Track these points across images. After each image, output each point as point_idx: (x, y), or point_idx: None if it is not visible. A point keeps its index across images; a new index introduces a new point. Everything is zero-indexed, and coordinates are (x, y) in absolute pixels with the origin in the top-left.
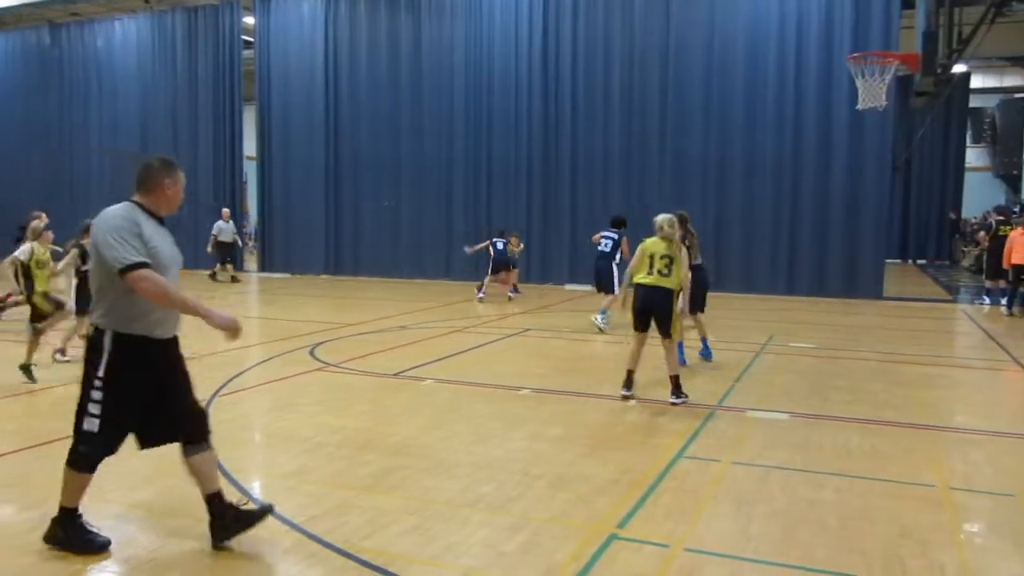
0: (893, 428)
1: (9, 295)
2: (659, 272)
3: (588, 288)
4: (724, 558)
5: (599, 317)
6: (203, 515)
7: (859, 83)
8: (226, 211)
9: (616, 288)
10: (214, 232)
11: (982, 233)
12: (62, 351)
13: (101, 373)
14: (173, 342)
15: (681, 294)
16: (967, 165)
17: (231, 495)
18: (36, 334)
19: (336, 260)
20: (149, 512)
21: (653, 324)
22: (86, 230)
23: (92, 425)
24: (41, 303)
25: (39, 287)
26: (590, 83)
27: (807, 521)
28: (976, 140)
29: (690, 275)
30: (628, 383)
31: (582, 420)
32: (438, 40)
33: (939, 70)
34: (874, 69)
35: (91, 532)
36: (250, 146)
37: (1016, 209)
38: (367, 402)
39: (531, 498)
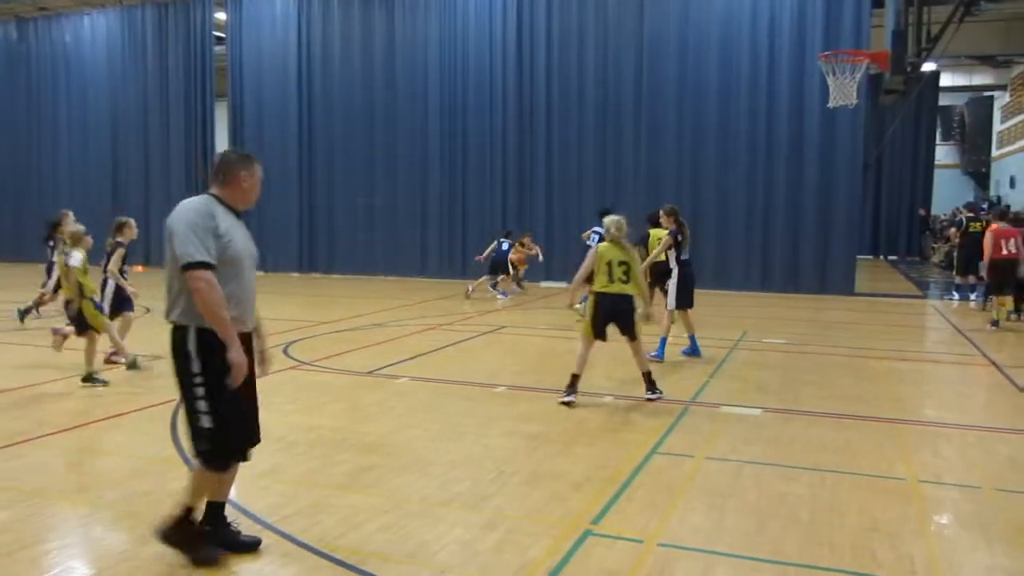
0: (864, 422)
1: (43, 296)
2: (619, 280)
3: (565, 285)
4: (697, 552)
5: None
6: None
7: (830, 81)
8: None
9: None
10: None
11: (952, 230)
12: (115, 354)
13: (197, 369)
14: (248, 338)
15: (668, 289)
16: (936, 162)
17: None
18: (92, 340)
19: (310, 258)
20: (120, 513)
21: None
22: (119, 228)
23: (206, 421)
24: (90, 311)
25: (87, 293)
26: (564, 78)
27: (779, 515)
28: (945, 138)
29: (678, 270)
30: (573, 387)
31: (557, 417)
32: (412, 36)
33: (908, 68)
34: (845, 67)
35: (206, 540)
36: (222, 143)
37: (985, 205)
38: (341, 401)
39: (506, 495)
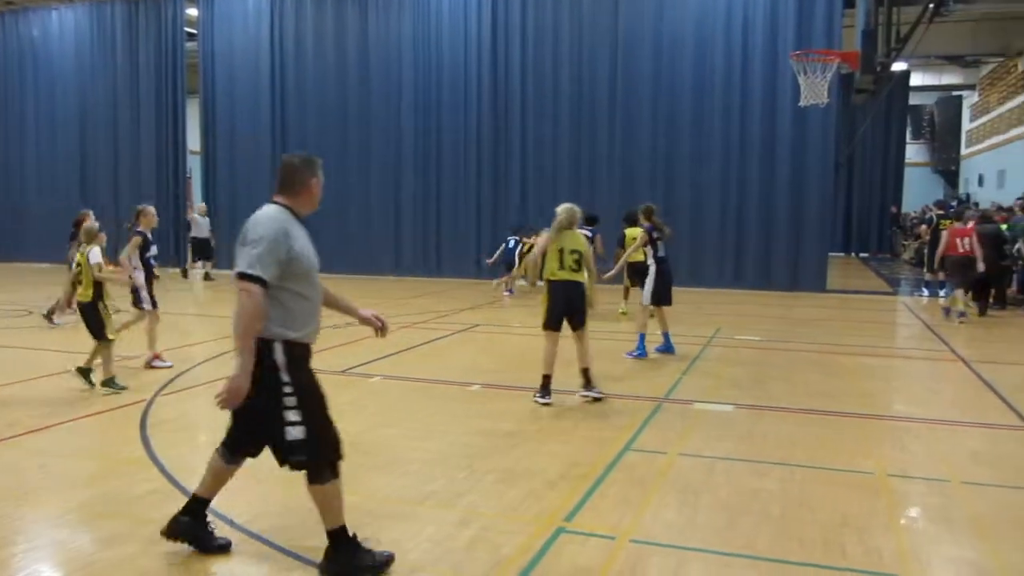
0: (834, 418)
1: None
2: (570, 268)
3: (539, 283)
4: (669, 548)
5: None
6: (143, 517)
7: (801, 80)
8: (202, 205)
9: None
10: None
11: (923, 227)
12: (157, 357)
13: (287, 379)
14: (310, 351)
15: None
16: (907, 161)
17: (176, 499)
18: (109, 342)
19: None
20: (88, 515)
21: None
22: (138, 215)
23: (299, 432)
24: (107, 315)
25: (105, 298)
26: (539, 76)
27: (751, 510)
28: (915, 136)
29: (654, 267)
30: (546, 388)
31: (531, 415)
32: (385, 33)
33: (878, 68)
34: (816, 67)
35: (369, 550)
36: (194, 139)
37: (954, 203)
38: None
39: (480, 493)
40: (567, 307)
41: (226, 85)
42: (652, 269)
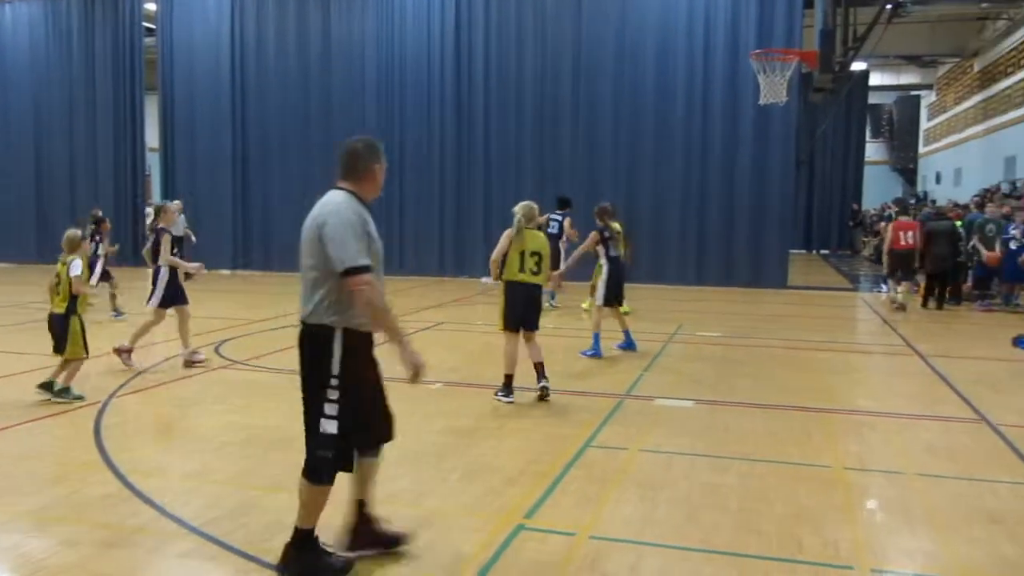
0: (793, 412)
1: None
2: (530, 271)
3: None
4: (628, 544)
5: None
6: (96, 521)
7: (761, 79)
8: (178, 202)
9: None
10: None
11: (882, 224)
12: (195, 353)
13: (336, 371)
14: (372, 339)
15: (597, 284)
16: (866, 159)
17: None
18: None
19: (245, 254)
20: (40, 520)
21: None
22: (158, 213)
23: (330, 426)
24: (76, 331)
25: (79, 310)
26: (503, 74)
27: (709, 505)
28: (875, 135)
29: (607, 266)
30: (508, 388)
31: (493, 412)
32: (348, 30)
33: (836, 67)
34: (775, 66)
35: (330, 554)
36: (152, 137)
37: (913, 200)
38: (275, 400)
39: (442, 492)
40: (524, 309)
41: (185, 81)
42: (605, 269)
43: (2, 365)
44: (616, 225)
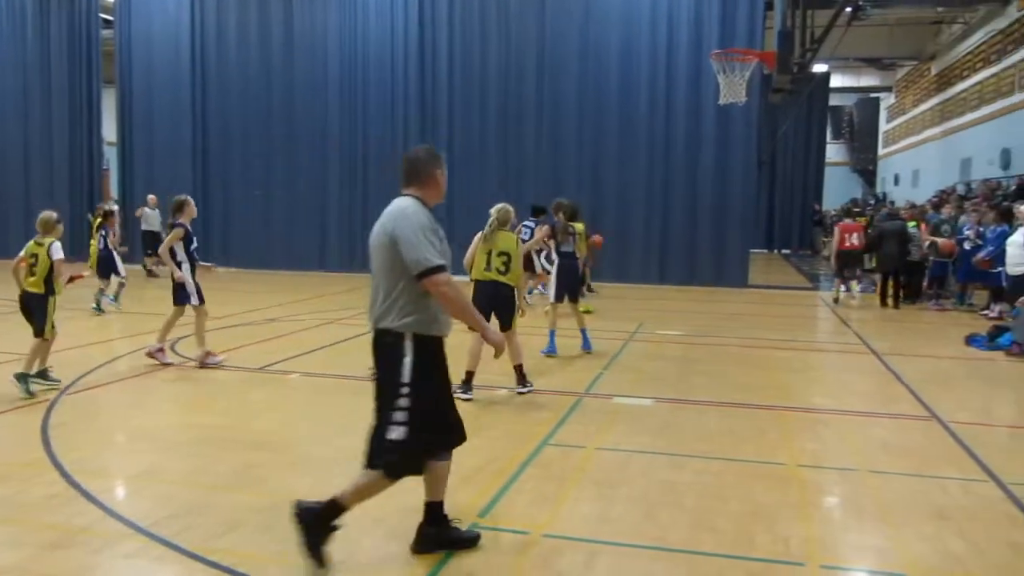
0: (751, 410)
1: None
2: (497, 270)
3: (465, 279)
4: (582, 542)
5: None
6: (39, 522)
7: (721, 79)
8: (152, 197)
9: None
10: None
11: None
12: (210, 354)
13: (407, 379)
14: (443, 342)
15: (549, 284)
16: (827, 160)
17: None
18: (46, 340)
19: (204, 250)
20: None
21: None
22: (180, 207)
23: (399, 433)
24: (51, 314)
25: (57, 291)
26: (466, 71)
27: (665, 503)
28: (835, 136)
29: (557, 261)
30: (467, 384)
31: None
32: (311, 23)
33: (795, 68)
34: (735, 66)
35: (328, 530)
36: (110, 131)
37: (872, 201)
38: (228, 398)
39: (393, 490)
40: (488, 308)
41: (144, 73)
42: (556, 265)
43: None
44: (579, 225)
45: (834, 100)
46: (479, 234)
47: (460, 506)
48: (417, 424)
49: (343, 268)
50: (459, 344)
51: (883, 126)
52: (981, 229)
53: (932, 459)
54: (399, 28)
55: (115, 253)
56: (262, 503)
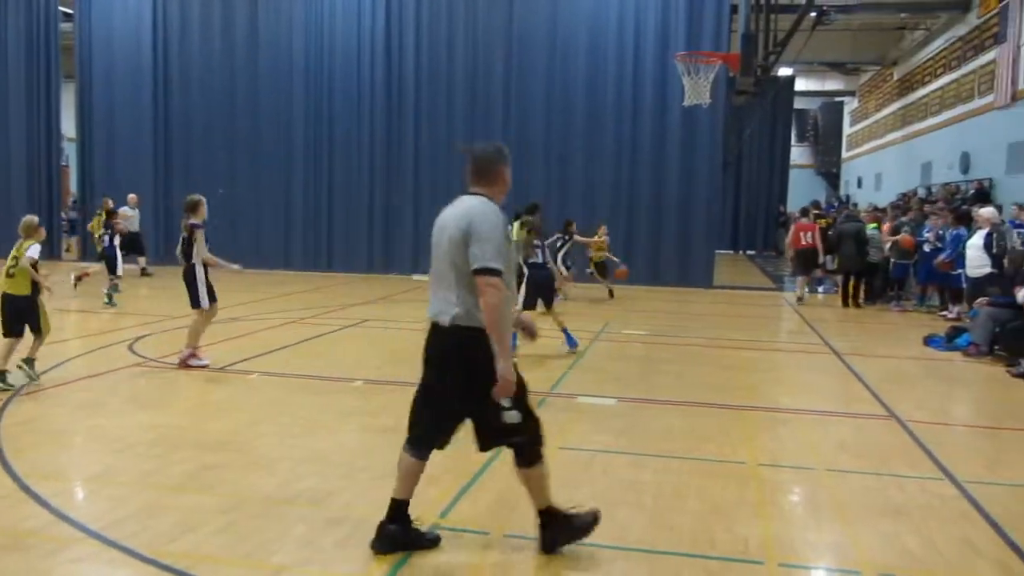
0: (713, 409)
1: (86, 273)
2: None
3: None
4: None
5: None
6: None
7: (685, 81)
8: (132, 196)
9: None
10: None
11: None
12: (194, 355)
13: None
14: None
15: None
16: (792, 162)
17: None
18: (16, 339)
19: (167, 249)
20: None
21: None
22: (194, 207)
23: (513, 416)
24: (44, 310)
25: (42, 289)
26: (433, 69)
27: (626, 502)
28: (800, 139)
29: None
30: None
31: None
32: (276, 19)
33: (758, 71)
34: (699, 67)
35: (576, 514)
36: (69, 127)
37: (836, 203)
38: (187, 398)
39: (354, 491)
40: None
41: (104, 70)
42: (525, 277)
43: None
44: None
45: (799, 103)
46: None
47: (422, 506)
48: (525, 404)
49: (308, 267)
50: None
51: (847, 129)
52: (940, 232)
53: (890, 458)
54: (366, 23)
55: (118, 251)
56: (219, 504)
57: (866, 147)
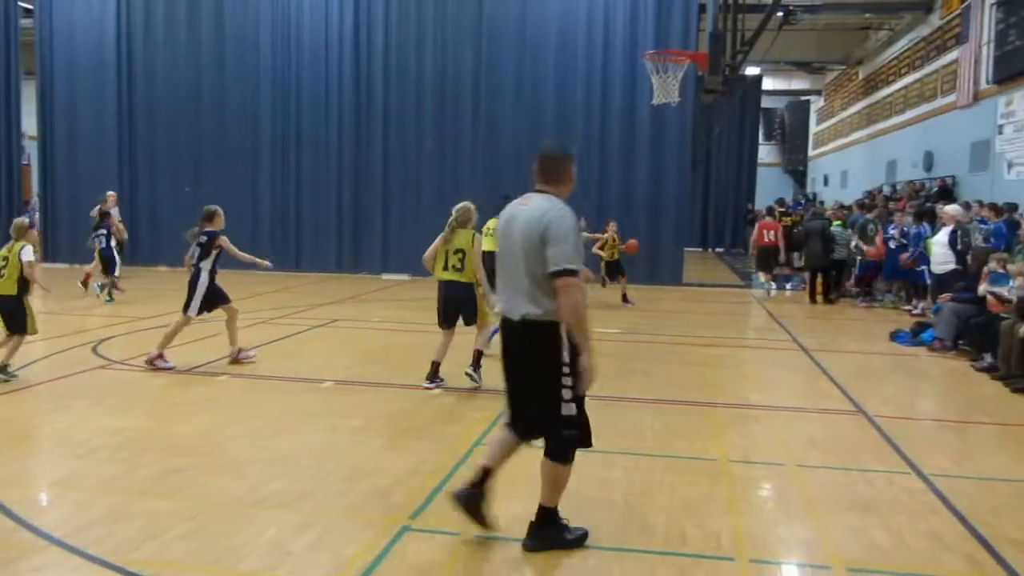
0: (684, 406)
1: (88, 275)
2: (453, 268)
3: (404, 277)
4: (514, 541)
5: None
6: None
7: (654, 80)
8: (112, 195)
9: None
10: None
11: None
12: (242, 351)
13: (567, 359)
14: None
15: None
16: (760, 161)
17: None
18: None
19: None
20: None
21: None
22: (210, 217)
23: (570, 409)
24: (31, 312)
25: (31, 291)
26: (402, 66)
27: (596, 500)
28: (768, 138)
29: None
30: (431, 374)
31: (384, 411)
32: (242, 14)
33: (726, 70)
34: (668, 66)
35: (569, 527)
36: (30, 124)
37: (802, 201)
38: (153, 401)
39: (324, 493)
40: (447, 306)
41: (66, 66)
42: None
43: None
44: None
45: (766, 102)
46: (440, 235)
47: (392, 508)
48: (582, 401)
49: (276, 266)
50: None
51: (813, 128)
52: (906, 229)
53: (859, 453)
54: (334, 19)
55: (115, 252)
56: (187, 509)
57: (832, 145)
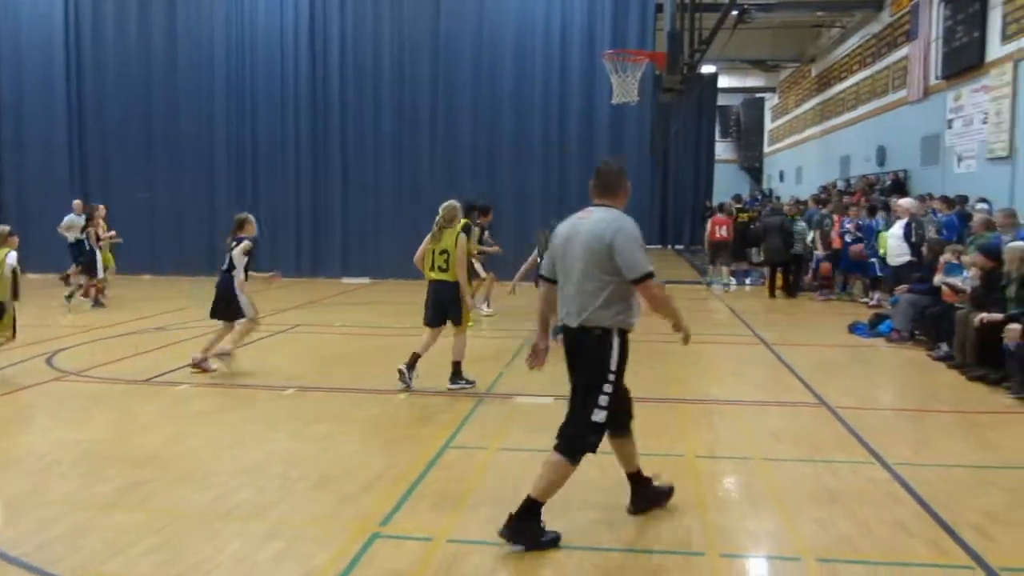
0: (649, 403)
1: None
2: (438, 267)
3: (364, 281)
4: (486, 545)
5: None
6: None
7: (613, 79)
8: (78, 203)
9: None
10: (63, 228)
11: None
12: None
13: (614, 367)
14: None
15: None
16: (717, 158)
17: None
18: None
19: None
20: None
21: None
22: (241, 224)
23: (601, 416)
24: (11, 316)
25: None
26: (359, 68)
27: (567, 500)
28: (724, 135)
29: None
30: (410, 364)
31: (349, 416)
32: (196, 13)
33: (684, 69)
34: (627, 66)
35: (544, 529)
36: None
37: (759, 197)
38: (112, 412)
39: (291, 502)
40: (436, 306)
41: (12, 65)
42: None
43: None
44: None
45: (722, 100)
46: (428, 235)
47: (361, 515)
48: (614, 408)
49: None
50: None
51: (768, 125)
52: (860, 223)
53: (823, 444)
54: (289, 18)
55: (97, 254)
56: (151, 523)
57: (787, 142)
